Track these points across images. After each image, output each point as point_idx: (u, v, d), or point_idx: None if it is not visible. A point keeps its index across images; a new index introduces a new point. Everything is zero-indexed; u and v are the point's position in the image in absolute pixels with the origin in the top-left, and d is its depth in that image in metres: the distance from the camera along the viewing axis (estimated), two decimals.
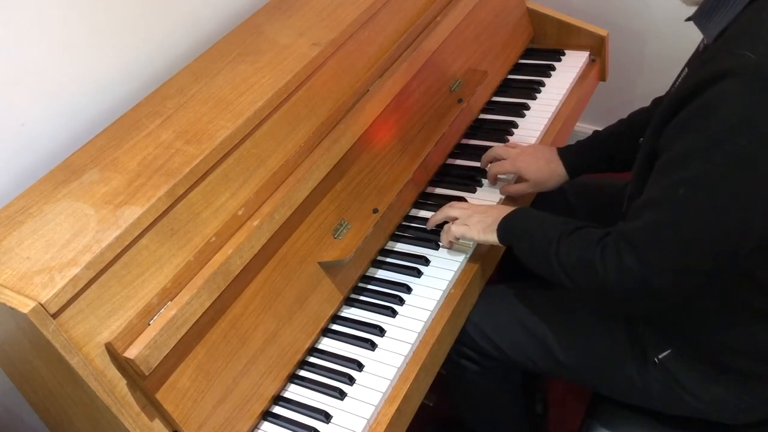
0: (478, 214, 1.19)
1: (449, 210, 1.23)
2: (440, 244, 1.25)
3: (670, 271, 0.90)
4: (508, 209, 1.17)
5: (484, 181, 1.38)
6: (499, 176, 1.36)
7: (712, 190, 0.85)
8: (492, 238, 1.15)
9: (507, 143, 1.42)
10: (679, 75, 1.07)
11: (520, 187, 1.33)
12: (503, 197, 1.35)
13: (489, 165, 1.37)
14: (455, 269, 1.21)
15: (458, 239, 1.21)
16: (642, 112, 1.31)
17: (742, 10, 0.89)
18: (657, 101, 1.30)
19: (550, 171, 1.31)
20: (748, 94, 0.81)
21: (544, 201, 1.44)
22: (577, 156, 1.32)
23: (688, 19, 0.97)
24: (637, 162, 1.05)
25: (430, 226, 1.27)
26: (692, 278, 0.91)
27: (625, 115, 1.34)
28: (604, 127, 1.35)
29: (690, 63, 1.06)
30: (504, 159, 1.34)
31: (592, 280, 0.97)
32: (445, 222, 1.24)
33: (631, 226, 0.93)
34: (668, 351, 1.09)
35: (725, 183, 0.84)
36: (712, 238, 0.87)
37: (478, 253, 1.26)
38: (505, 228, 1.14)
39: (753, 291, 0.97)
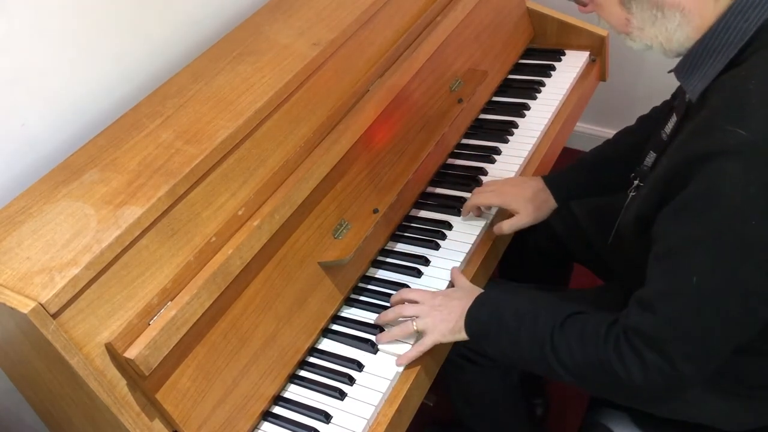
0: (436, 312, 1.07)
1: (402, 309, 1.11)
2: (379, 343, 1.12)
3: (697, 360, 0.87)
4: (466, 298, 1.07)
5: (485, 180, 1.38)
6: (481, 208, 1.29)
7: (727, 275, 0.82)
8: (461, 336, 1.06)
9: (482, 184, 1.34)
10: (668, 117, 1.03)
11: (513, 222, 1.25)
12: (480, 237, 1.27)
13: (470, 197, 1.29)
14: None
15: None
16: (628, 132, 1.27)
17: (723, 71, 0.86)
18: (643, 119, 1.27)
19: (540, 201, 1.26)
20: (747, 174, 0.78)
21: None
22: (565, 184, 1.28)
23: (671, 72, 0.95)
24: (626, 221, 1.01)
25: (379, 322, 1.14)
26: (720, 358, 0.89)
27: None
28: (591, 148, 1.30)
29: (677, 110, 1.01)
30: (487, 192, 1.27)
31: (611, 382, 0.92)
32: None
33: (644, 322, 0.89)
34: None
35: (740, 266, 0.82)
36: (735, 319, 0.85)
37: (478, 254, 1.26)
38: (474, 326, 1.05)
39: (756, 341, 0.95)
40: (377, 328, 1.14)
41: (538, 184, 1.28)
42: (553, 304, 1.02)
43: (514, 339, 1.00)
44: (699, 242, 0.83)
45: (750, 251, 0.81)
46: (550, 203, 1.27)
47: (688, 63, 0.90)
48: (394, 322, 1.13)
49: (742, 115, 0.80)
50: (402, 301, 1.13)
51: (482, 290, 1.10)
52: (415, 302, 1.12)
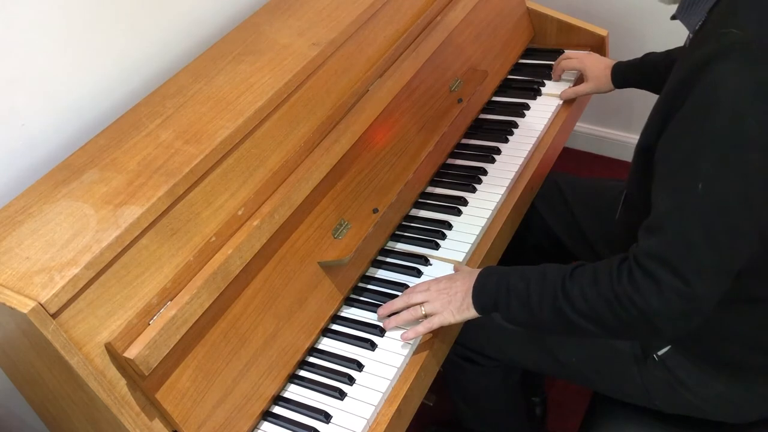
0: (443, 294, 1.09)
1: (409, 297, 1.12)
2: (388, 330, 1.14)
3: (708, 274, 0.86)
4: (469, 277, 1.08)
5: (484, 180, 1.38)
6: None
7: (731, 177, 0.83)
8: (470, 314, 1.07)
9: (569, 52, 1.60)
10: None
11: (580, 88, 1.51)
12: (561, 103, 1.52)
13: (560, 62, 1.56)
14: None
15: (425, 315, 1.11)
16: None
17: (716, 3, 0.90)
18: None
19: (606, 76, 1.47)
20: (742, 71, 0.80)
21: (542, 201, 1.44)
22: (625, 72, 1.45)
23: (674, 18, 0.98)
24: (634, 160, 1.04)
25: (387, 311, 1.14)
26: (730, 272, 0.88)
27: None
28: (652, 54, 1.42)
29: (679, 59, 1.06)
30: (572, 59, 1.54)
31: (628, 315, 0.90)
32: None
33: (654, 243, 0.88)
34: (668, 348, 1.08)
35: (745, 164, 0.82)
36: (742, 226, 0.85)
37: (478, 254, 1.26)
38: (482, 298, 1.05)
39: (752, 279, 0.96)
40: (377, 328, 1.14)
41: (610, 64, 1.48)
42: (555, 264, 1.02)
43: (525, 299, 1.00)
44: (702, 147, 0.84)
45: (752, 149, 0.82)
46: (610, 80, 1.47)
47: (687, 1, 0.94)
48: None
49: (735, 17, 0.83)
50: (410, 301, 1.13)
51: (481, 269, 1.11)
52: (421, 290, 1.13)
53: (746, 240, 0.86)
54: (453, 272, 1.19)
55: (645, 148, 0.97)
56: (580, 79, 1.57)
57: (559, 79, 1.58)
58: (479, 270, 1.09)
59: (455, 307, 1.08)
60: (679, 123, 0.87)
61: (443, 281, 1.11)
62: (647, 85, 1.41)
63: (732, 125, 0.82)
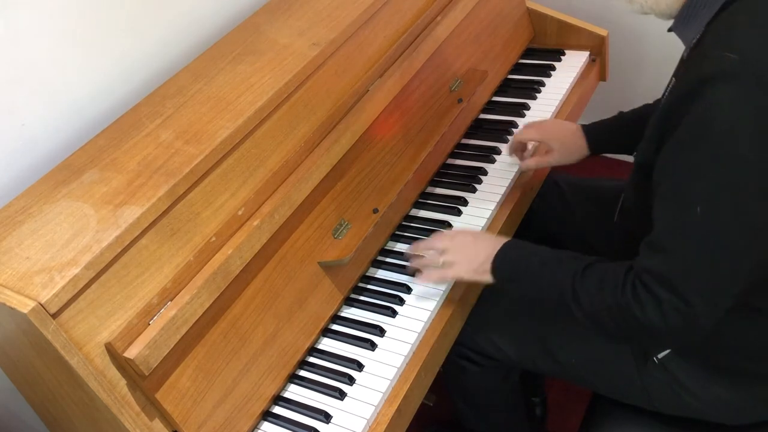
0: (466, 249, 1.11)
1: (433, 242, 1.15)
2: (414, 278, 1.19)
3: (708, 294, 0.87)
4: (494, 243, 1.10)
5: (484, 180, 1.38)
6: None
7: (728, 199, 0.84)
8: (485, 278, 1.10)
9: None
10: (668, 85, 1.07)
11: (544, 159, 1.32)
12: (517, 175, 1.36)
13: (514, 136, 1.36)
14: None
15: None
16: None
17: (716, 14, 0.89)
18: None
19: (575, 144, 1.31)
20: (737, 96, 0.81)
21: (542, 203, 1.44)
22: (601, 135, 1.31)
23: (670, 30, 0.98)
24: (632, 173, 1.04)
25: (411, 252, 1.20)
26: (730, 292, 0.89)
27: None
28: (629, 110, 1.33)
29: (676, 73, 1.06)
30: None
31: (628, 326, 0.93)
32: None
33: (655, 261, 0.90)
34: (668, 350, 1.09)
35: (741, 189, 0.83)
36: (741, 247, 0.86)
37: None
38: (502, 267, 1.08)
39: (754, 291, 0.96)
40: (377, 328, 1.14)
41: (577, 129, 1.31)
42: (573, 254, 1.04)
43: (537, 283, 1.03)
44: (698, 170, 0.85)
45: (748, 173, 0.82)
46: (582, 151, 1.31)
47: (684, 15, 0.94)
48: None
49: (730, 40, 0.83)
50: (432, 245, 1.15)
51: (508, 239, 1.11)
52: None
53: (746, 260, 0.87)
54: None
55: (643, 164, 0.98)
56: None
57: (522, 159, 1.36)
58: (505, 240, 1.10)
59: (473, 267, 1.10)
60: (676, 145, 0.88)
61: (470, 235, 1.14)
62: (630, 146, 1.23)
63: (727, 149, 0.82)
